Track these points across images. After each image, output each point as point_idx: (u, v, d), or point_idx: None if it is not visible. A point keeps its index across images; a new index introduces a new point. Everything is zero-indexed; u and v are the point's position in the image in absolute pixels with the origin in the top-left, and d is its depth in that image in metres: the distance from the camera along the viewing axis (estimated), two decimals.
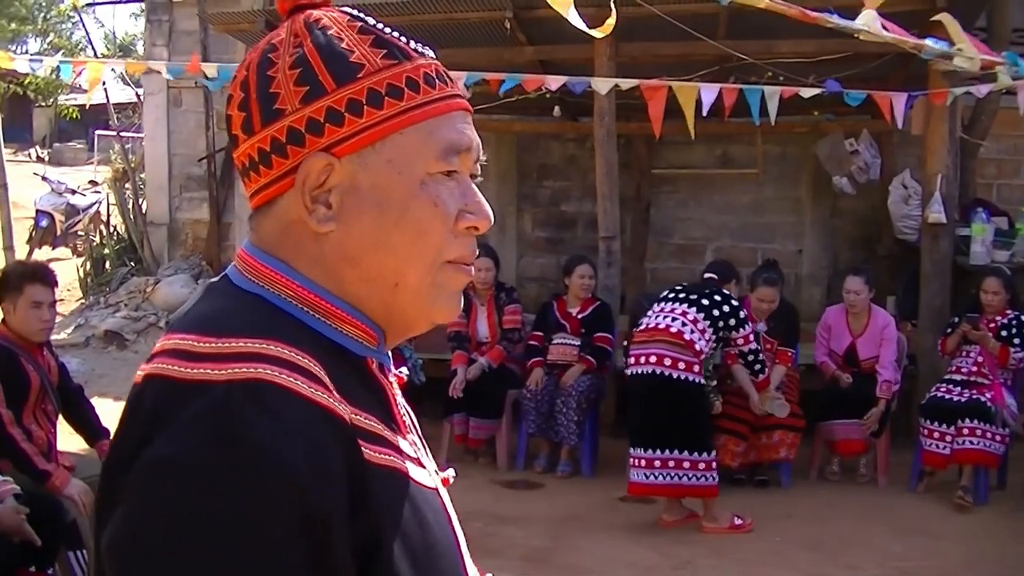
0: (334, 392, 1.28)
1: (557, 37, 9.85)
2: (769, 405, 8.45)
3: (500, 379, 9.30)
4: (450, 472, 1.54)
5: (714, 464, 7.61)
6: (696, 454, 7.52)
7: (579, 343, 9.32)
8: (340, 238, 1.38)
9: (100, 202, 19.59)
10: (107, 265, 15.83)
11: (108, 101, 17.90)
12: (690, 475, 7.51)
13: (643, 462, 7.59)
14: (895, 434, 9.00)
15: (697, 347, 7.59)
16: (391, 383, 1.48)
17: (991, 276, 8.72)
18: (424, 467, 1.44)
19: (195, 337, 1.28)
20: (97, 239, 16.93)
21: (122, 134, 17.82)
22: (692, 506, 7.85)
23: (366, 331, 1.42)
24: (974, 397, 8.34)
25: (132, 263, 15.48)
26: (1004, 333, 8.51)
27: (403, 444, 1.40)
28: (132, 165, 16.63)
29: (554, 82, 8.56)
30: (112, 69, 10.53)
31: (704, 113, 8.35)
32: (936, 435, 8.40)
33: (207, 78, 9.13)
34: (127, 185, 16.62)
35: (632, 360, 7.76)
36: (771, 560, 7.15)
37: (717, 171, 13.07)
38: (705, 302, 7.78)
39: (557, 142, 13.55)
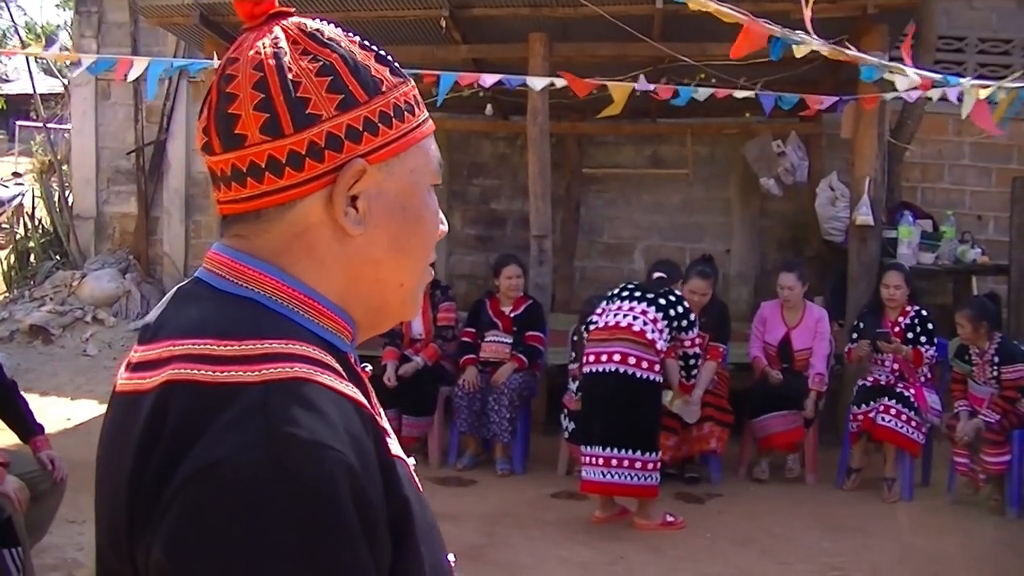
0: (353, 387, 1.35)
1: (492, 36, 9.90)
2: (679, 407, 8.47)
3: (433, 376, 9.30)
4: (411, 460, 1.57)
5: (659, 464, 7.64)
6: (647, 454, 7.55)
7: (511, 341, 9.35)
8: (367, 241, 1.45)
9: (23, 194, 19.36)
10: (32, 258, 15.64)
11: (34, 91, 17.69)
12: (639, 475, 7.53)
13: (600, 460, 7.58)
14: (823, 432, 9.11)
15: (658, 346, 7.64)
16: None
17: (892, 270, 8.87)
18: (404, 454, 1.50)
19: (213, 341, 1.31)
20: (21, 232, 16.71)
21: (48, 126, 17.62)
22: (624, 503, 7.90)
23: (346, 328, 1.47)
24: (898, 389, 8.53)
25: (58, 256, 15.29)
26: (911, 335, 8.67)
27: (391, 433, 1.46)
28: (58, 157, 16.46)
29: (489, 79, 8.58)
30: (37, 60, 10.41)
31: (637, 93, 8.36)
32: (861, 417, 8.62)
33: (135, 78, 9.01)
34: (53, 178, 16.45)
35: (592, 358, 7.73)
36: (703, 556, 7.21)
37: (647, 171, 13.17)
38: (662, 301, 7.83)
39: (488, 140, 13.60)
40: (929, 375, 8.75)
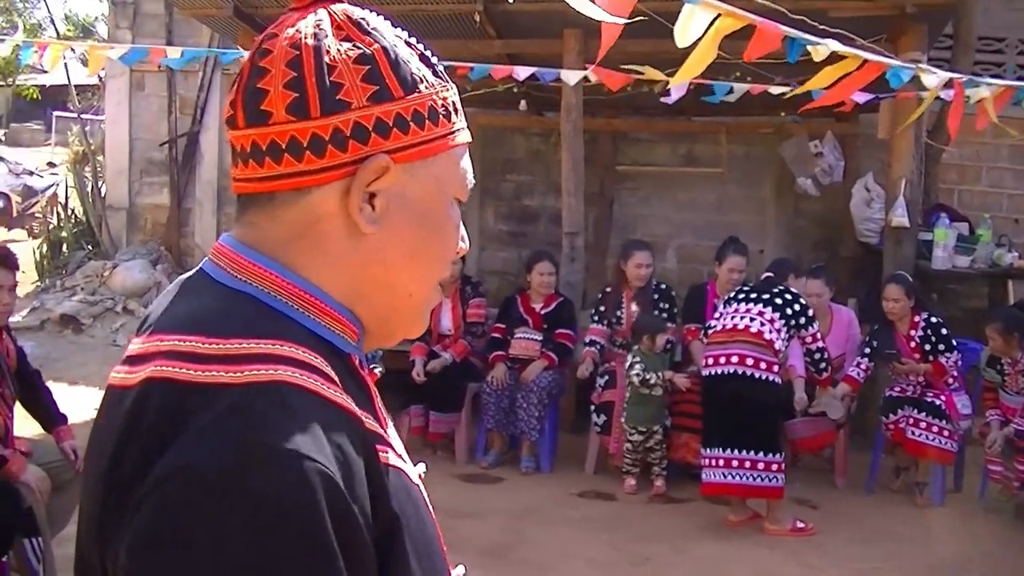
0: (344, 391, 1.29)
1: (526, 31, 9.83)
2: (826, 404, 8.44)
3: (461, 373, 9.27)
4: (421, 467, 1.52)
5: (783, 466, 7.60)
6: (769, 455, 7.51)
7: (541, 338, 9.29)
8: (380, 240, 1.40)
9: (58, 184, 19.46)
10: (64, 248, 15.66)
11: (70, 82, 17.75)
12: (762, 476, 7.50)
13: (720, 462, 7.58)
14: (853, 435, 9.03)
15: (776, 346, 7.65)
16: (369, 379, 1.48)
17: (892, 283, 8.68)
18: (407, 462, 1.44)
19: (198, 338, 1.26)
20: (55, 221, 16.76)
21: (82, 116, 17.67)
22: (755, 506, 7.85)
23: (350, 327, 1.41)
24: (927, 399, 8.39)
25: (89, 247, 15.35)
26: (927, 346, 8.49)
27: (393, 440, 1.40)
28: (92, 148, 16.50)
29: (523, 72, 8.52)
30: (72, 50, 10.41)
31: (672, 101, 8.30)
32: (892, 427, 8.52)
33: (166, 59, 9.01)
34: (86, 168, 16.50)
35: (711, 360, 7.76)
36: (730, 559, 7.15)
37: (681, 169, 13.09)
38: (778, 301, 7.82)
39: (522, 136, 13.55)
40: (957, 377, 8.59)
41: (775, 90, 8.24)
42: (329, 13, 1.40)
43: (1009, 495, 8.25)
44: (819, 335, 8.14)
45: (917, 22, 8.82)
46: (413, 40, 1.44)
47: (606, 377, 9.00)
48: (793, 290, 8.03)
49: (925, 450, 8.31)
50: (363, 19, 1.40)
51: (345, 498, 1.18)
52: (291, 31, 1.37)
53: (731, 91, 8.36)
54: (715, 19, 4.38)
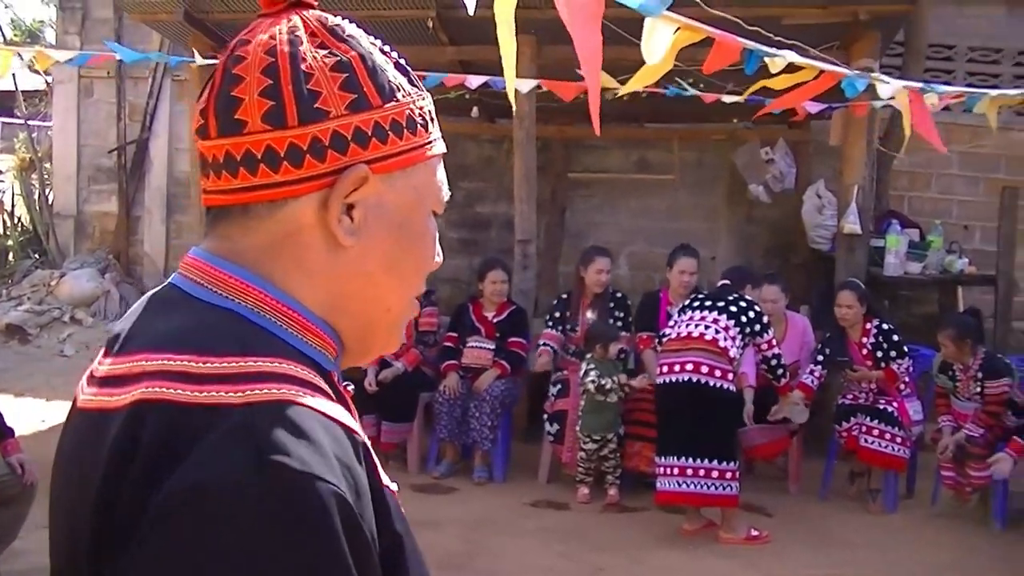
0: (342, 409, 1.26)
1: (479, 38, 9.78)
2: (788, 410, 8.44)
3: (413, 382, 9.19)
4: (394, 485, 1.48)
5: (737, 473, 7.57)
6: (723, 463, 7.49)
7: (494, 347, 9.25)
8: (359, 253, 1.36)
9: (4, 191, 19.23)
10: (10, 257, 15.50)
11: (16, 88, 17.58)
12: (717, 484, 7.47)
13: (675, 470, 7.54)
14: (807, 443, 9.03)
15: (731, 354, 7.61)
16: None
17: (845, 290, 8.72)
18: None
19: (188, 356, 1.21)
20: (0, 229, 16.58)
21: (29, 123, 17.51)
22: (710, 515, 7.82)
23: (331, 344, 1.37)
24: (880, 406, 8.45)
25: (36, 255, 15.20)
26: (879, 353, 8.55)
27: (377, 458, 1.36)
28: (39, 155, 16.34)
29: (475, 81, 8.48)
30: (20, 56, 10.28)
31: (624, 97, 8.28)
32: (845, 434, 8.57)
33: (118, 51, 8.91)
34: (33, 175, 16.33)
35: (666, 368, 7.72)
36: (686, 567, 7.13)
37: (633, 176, 13.09)
38: (733, 308, 7.78)
39: (474, 143, 13.51)
40: (908, 383, 8.63)
41: (728, 98, 8.24)
42: (303, 19, 1.36)
43: (962, 501, 8.29)
44: (775, 341, 8.10)
45: (870, 29, 8.85)
46: (387, 48, 1.41)
47: (559, 386, 8.97)
48: (748, 298, 8.01)
49: (878, 457, 8.37)
50: (338, 26, 1.37)
51: (358, 519, 1.16)
52: (265, 37, 1.33)
53: (688, 89, 8.33)
54: (675, 31, 4.36)
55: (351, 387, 1.66)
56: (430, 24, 9.32)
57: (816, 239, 11.07)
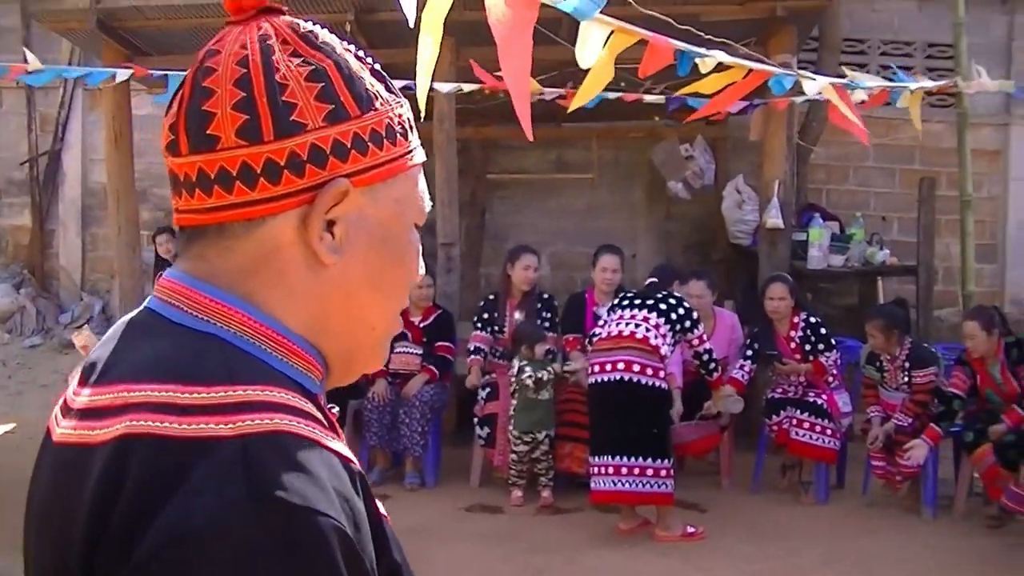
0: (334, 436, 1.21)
1: (398, 41, 9.72)
2: (723, 404, 8.46)
3: (341, 390, 9.05)
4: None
5: (672, 471, 7.56)
6: (658, 461, 7.47)
7: (421, 352, 9.20)
8: (342, 270, 1.29)
9: None
10: None
11: None
12: (651, 482, 7.46)
13: (610, 469, 7.52)
14: (737, 437, 9.08)
15: (662, 352, 7.60)
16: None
17: (776, 282, 8.80)
18: None
19: (174, 387, 1.14)
20: None
21: None
22: (645, 513, 7.81)
23: (316, 367, 1.31)
24: (809, 399, 8.53)
25: None
26: (807, 346, 8.64)
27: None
28: None
29: (396, 84, 8.42)
30: None
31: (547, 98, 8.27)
32: (775, 428, 8.67)
33: (28, 73, 8.73)
34: None
35: (597, 368, 7.70)
36: (623, 567, 7.14)
37: (552, 176, 13.08)
38: (663, 306, 7.77)
39: None
40: (837, 375, 8.72)
41: (649, 98, 8.26)
42: (274, 26, 1.28)
43: (893, 490, 8.38)
44: (705, 336, 8.11)
45: (787, 25, 8.94)
46: (361, 53, 1.34)
47: (488, 389, 8.94)
48: (677, 295, 8.02)
49: (809, 450, 8.44)
50: (311, 32, 1.29)
51: (359, 553, 1.12)
52: (236, 47, 1.26)
53: (611, 93, 8.32)
54: (609, 35, 4.35)
55: (336, 410, 1.61)
56: (348, 28, 9.24)
57: (736, 234, 11.13)
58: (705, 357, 8.12)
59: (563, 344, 9.19)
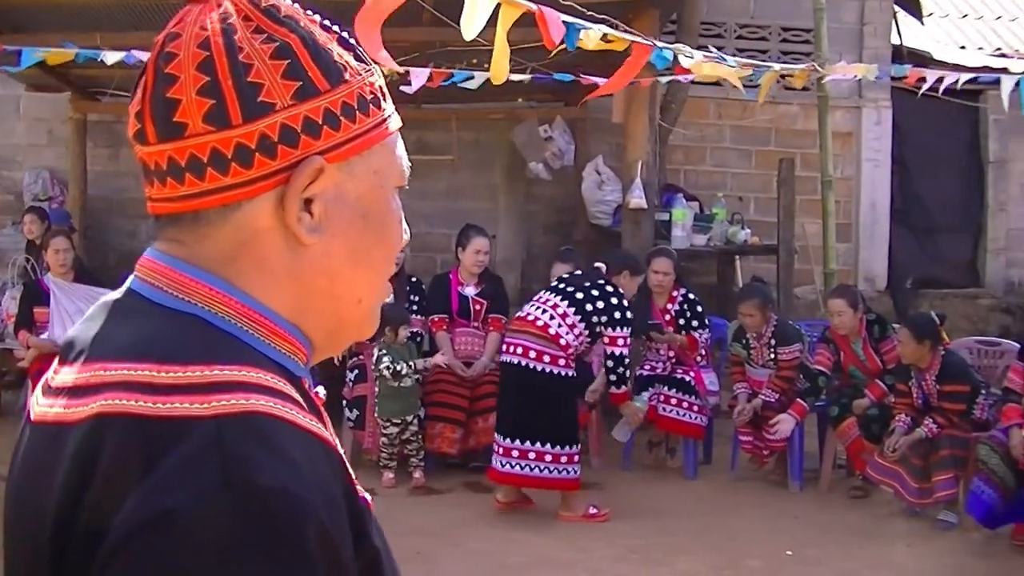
0: (314, 418, 1.18)
1: None
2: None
3: None
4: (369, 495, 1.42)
5: (577, 457, 7.55)
6: (563, 447, 7.45)
7: None
8: (323, 250, 1.26)
9: None
10: None
11: None
12: (552, 468, 7.45)
13: (515, 452, 7.48)
14: (605, 415, 9.13)
15: (563, 341, 7.50)
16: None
17: (661, 256, 8.92)
18: None
19: (150, 365, 1.11)
20: None
21: None
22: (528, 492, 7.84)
23: (301, 348, 1.28)
24: (677, 376, 8.67)
25: None
26: (681, 320, 8.80)
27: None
28: None
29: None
30: None
31: (414, 90, 8.21)
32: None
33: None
34: None
35: (506, 347, 7.72)
36: (502, 547, 7.16)
37: (412, 157, 12.83)
38: (580, 296, 7.64)
39: None
40: (705, 355, 8.87)
41: (514, 76, 8.25)
42: (234, 2, 1.23)
43: (760, 464, 8.55)
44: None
45: (650, 7, 9.00)
46: (327, 22, 1.29)
47: (356, 371, 8.87)
48: (608, 288, 7.78)
49: (677, 425, 8.59)
50: (273, 6, 1.24)
51: (333, 538, 1.09)
52: (196, 29, 1.21)
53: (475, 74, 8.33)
54: (497, 7, 4.34)
55: (323, 392, 1.57)
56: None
57: (597, 215, 11.22)
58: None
59: (429, 325, 9.16)
